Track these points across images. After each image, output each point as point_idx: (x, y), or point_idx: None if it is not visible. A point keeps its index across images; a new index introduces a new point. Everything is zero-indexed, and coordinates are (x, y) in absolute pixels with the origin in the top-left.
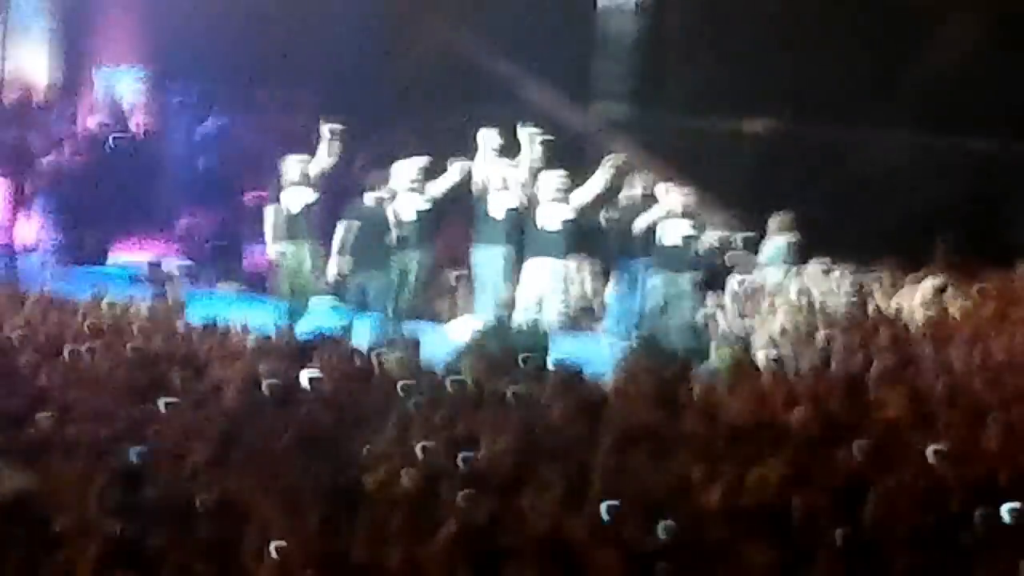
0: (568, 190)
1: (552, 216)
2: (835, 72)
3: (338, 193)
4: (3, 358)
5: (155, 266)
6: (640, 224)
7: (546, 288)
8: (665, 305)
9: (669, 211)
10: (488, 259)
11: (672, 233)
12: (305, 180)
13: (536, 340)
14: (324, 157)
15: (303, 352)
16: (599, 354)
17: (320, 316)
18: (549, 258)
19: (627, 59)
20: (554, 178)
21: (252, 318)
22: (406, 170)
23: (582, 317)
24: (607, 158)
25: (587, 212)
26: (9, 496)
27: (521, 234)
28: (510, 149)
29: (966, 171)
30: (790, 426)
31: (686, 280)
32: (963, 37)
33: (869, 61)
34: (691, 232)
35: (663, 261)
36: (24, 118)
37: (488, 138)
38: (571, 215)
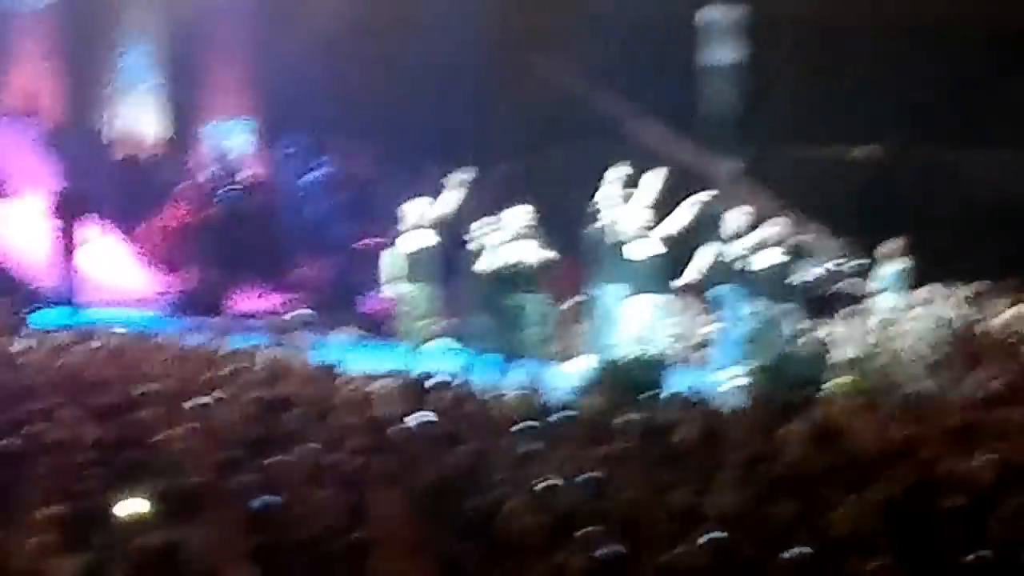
0: (656, 224)
1: (644, 250)
2: (942, 95)
3: (454, 237)
4: (127, 412)
5: (273, 314)
6: (733, 255)
7: (649, 322)
8: (765, 334)
9: (764, 241)
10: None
11: (767, 263)
12: (425, 224)
13: (651, 374)
14: (445, 203)
15: (424, 395)
16: (710, 385)
17: (438, 358)
18: (648, 293)
19: (732, 90)
20: (645, 212)
21: (370, 363)
22: (519, 216)
23: (695, 350)
24: (694, 197)
25: (680, 245)
26: (160, 546)
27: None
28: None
29: None
30: (909, 450)
31: (783, 308)
32: None
33: (974, 83)
34: (785, 261)
35: (760, 290)
36: (137, 173)
37: (616, 176)
38: (659, 249)
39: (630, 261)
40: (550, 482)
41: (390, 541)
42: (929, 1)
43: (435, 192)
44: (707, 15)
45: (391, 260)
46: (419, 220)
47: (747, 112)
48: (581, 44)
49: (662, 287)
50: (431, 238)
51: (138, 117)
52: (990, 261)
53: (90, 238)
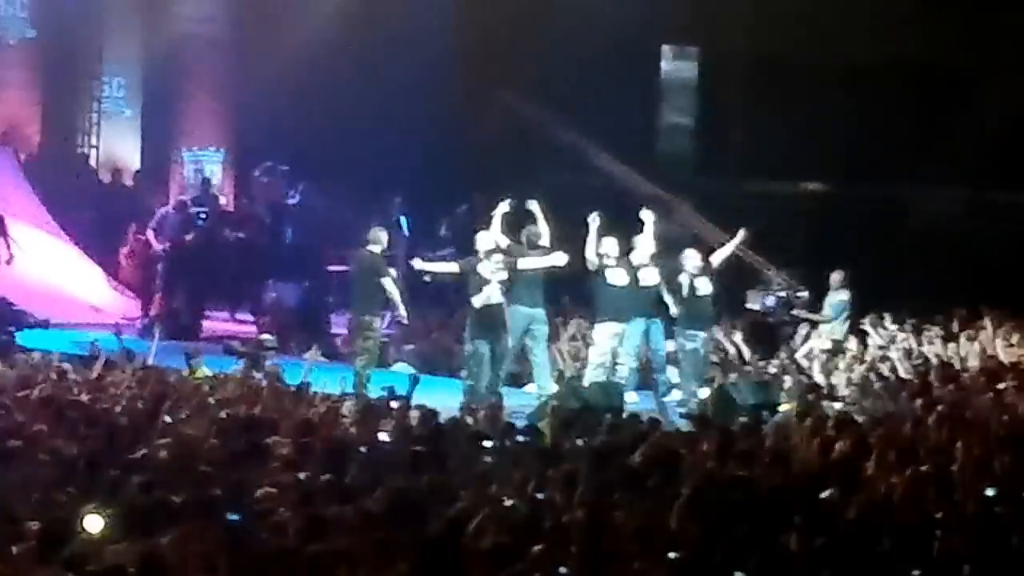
0: (627, 254)
1: (617, 279)
2: (887, 133)
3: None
4: (104, 427)
5: (245, 337)
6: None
7: (618, 347)
8: (695, 360)
9: (695, 270)
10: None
11: (699, 290)
12: (391, 253)
13: (611, 397)
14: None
15: (389, 415)
16: (666, 409)
17: (401, 381)
18: (618, 319)
19: (689, 125)
20: (615, 243)
21: (337, 384)
22: (490, 240)
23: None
24: (646, 219)
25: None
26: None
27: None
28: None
29: (1016, 224)
30: (860, 472)
31: (733, 335)
32: (1008, 98)
33: (919, 122)
34: (711, 290)
35: (691, 319)
36: (117, 199)
37: (593, 220)
38: (630, 278)
39: (601, 287)
40: (508, 498)
41: (352, 554)
42: (874, 43)
43: (398, 223)
44: (663, 53)
45: (357, 287)
46: (385, 248)
47: (701, 146)
48: (541, 80)
49: (626, 313)
50: (396, 266)
51: (115, 145)
52: (933, 293)
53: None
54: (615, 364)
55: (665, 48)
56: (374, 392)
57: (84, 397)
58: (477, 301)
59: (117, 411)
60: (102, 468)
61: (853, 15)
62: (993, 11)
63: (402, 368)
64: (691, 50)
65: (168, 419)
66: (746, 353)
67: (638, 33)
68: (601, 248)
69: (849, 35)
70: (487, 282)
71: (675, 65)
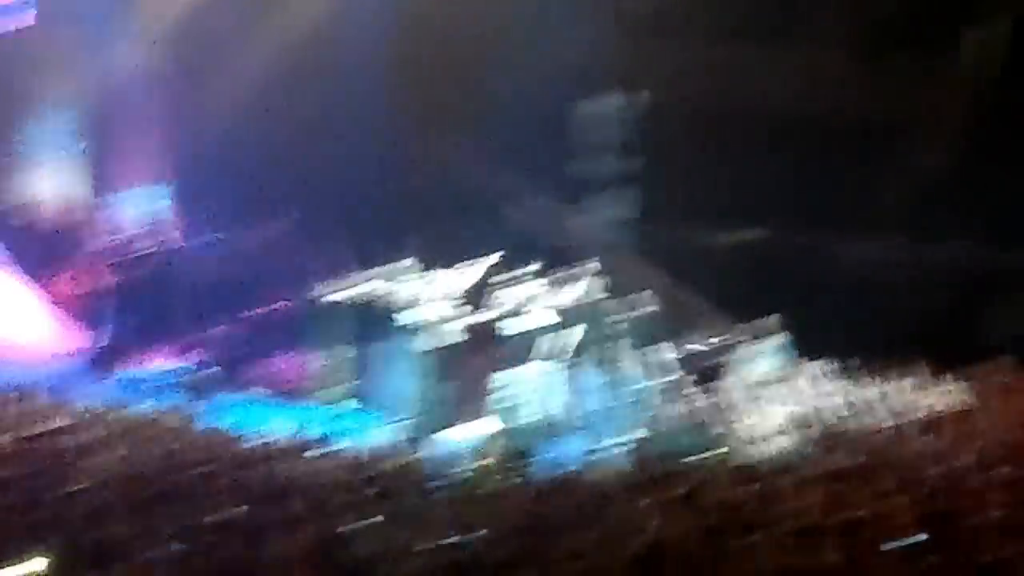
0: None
1: (535, 322)
2: (819, 182)
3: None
4: (36, 463)
5: (183, 373)
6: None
7: (538, 391)
8: (648, 404)
9: (645, 313)
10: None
11: (649, 335)
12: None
13: (540, 440)
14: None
15: (324, 455)
16: (595, 453)
17: (340, 419)
18: (537, 362)
19: (620, 172)
20: (534, 286)
21: (275, 423)
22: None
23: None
24: (581, 268)
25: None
26: None
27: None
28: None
29: (944, 275)
30: (785, 518)
31: (666, 380)
32: (934, 151)
33: (851, 172)
34: (667, 334)
35: (643, 362)
36: (58, 234)
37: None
38: (548, 321)
39: (522, 331)
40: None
41: None
42: (807, 95)
43: (344, 260)
44: (597, 99)
45: (302, 323)
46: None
47: (636, 195)
48: (477, 124)
49: (556, 356)
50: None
51: (57, 180)
52: (864, 341)
53: None
54: (538, 407)
55: (600, 95)
56: (314, 430)
57: (18, 431)
58: (430, 342)
59: (53, 446)
60: (37, 502)
61: (786, 68)
62: (921, 64)
63: (345, 405)
64: (627, 99)
65: (104, 454)
66: (675, 398)
67: (575, 81)
68: (512, 291)
69: (783, 87)
70: (440, 323)
71: (611, 114)
